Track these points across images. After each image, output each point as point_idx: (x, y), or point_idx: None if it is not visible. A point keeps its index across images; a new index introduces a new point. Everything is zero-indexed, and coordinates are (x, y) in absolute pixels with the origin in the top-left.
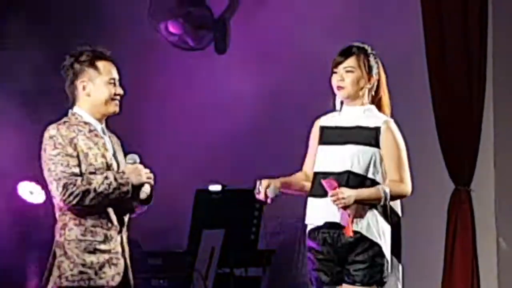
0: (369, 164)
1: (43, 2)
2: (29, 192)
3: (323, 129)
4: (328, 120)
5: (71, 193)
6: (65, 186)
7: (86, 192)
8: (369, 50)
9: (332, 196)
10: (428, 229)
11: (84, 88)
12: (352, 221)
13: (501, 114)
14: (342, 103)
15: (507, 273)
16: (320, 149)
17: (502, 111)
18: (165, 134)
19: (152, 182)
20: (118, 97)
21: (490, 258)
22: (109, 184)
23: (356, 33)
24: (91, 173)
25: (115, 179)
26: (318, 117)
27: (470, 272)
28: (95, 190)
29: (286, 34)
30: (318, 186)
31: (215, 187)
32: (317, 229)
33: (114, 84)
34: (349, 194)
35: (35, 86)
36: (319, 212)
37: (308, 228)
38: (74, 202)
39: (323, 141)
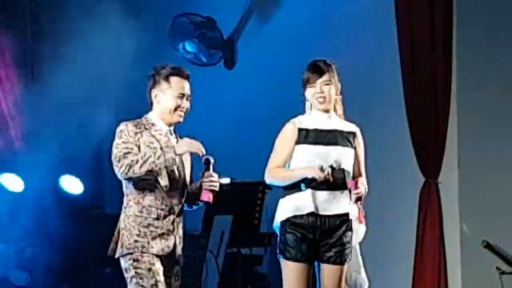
0: (352, 159)
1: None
2: (69, 183)
3: (302, 130)
4: (305, 123)
5: (123, 164)
6: (119, 160)
7: (134, 161)
8: (334, 65)
9: (357, 192)
10: (402, 216)
11: (155, 96)
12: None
13: (463, 118)
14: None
15: (468, 252)
16: (301, 149)
17: (464, 116)
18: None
19: (200, 153)
20: (183, 110)
21: (455, 240)
22: (155, 152)
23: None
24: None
25: (161, 148)
26: (287, 120)
27: (438, 252)
28: (142, 157)
29: (286, 51)
30: (324, 180)
31: (225, 180)
32: (307, 215)
33: (182, 98)
34: (365, 189)
35: None
36: (329, 202)
37: (292, 214)
38: (126, 170)
39: (306, 141)
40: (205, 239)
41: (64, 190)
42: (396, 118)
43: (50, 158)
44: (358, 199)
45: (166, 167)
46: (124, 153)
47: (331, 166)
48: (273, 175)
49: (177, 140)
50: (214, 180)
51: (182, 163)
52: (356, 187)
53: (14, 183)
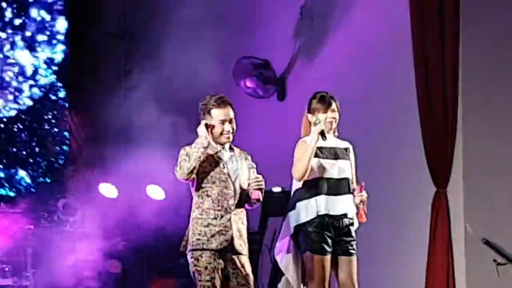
0: (349, 172)
1: None
2: (154, 192)
3: (317, 150)
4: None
5: (176, 169)
6: (175, 167)
7: (183, 161)
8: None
9: (361, 195)
10: (416, 220)
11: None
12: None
13: (468, 137)
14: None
15: (472, 250)
16: (315, 161)
17: (468, 135)
18: None
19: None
20: (228, 133)
21: (460, 240)
22: (195, 146)
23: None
24: (204, 176)
25: (197, 142)
26: (299, 139)
27: (446, 249)
28: (187, 154)
29: (327, 85)
30: (334, 187)
31: (277, 189)
32: (326, 216)
33: (224, 123)
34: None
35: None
36: (339, 205)
37: (314, 216)
38: (179, 172)
39: (316, 156)
40: (261, 236)
41: (150, 197)
42: (412, 138)
43: (139, 169)
44: (362, 201)
45: (217, 179)
46: (180, 162)
47: (328, 180)
48: (297, 166)
49: (233, 153)
50: (259, 180)
51: (232, 175)
52: (360, 191)
53: (110, 191)
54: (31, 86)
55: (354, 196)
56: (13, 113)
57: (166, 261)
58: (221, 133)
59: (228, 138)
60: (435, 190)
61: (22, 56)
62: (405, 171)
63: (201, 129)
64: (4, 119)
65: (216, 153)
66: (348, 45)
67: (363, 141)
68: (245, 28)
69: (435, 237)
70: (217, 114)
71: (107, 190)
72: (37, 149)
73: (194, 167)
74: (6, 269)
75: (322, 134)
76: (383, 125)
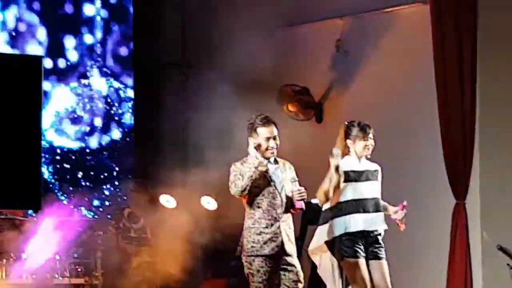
0: (379, 192)
1: None
2: (207, 202)
3: (347, 172)
4: (346, 165)
5: (231, 186)
6: (230, 184)
7: (237, 180)
8: None
9: (403, 213)
10: (437, 232)
11: (252, 142)
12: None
13: (483, 156)
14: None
15: (488, 256)
16: (349, 186)
17: (484, 155)
18: None
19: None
20: (272, 148)
21: (477, 246)
22: (248, 166)
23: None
24: (254, 190)
25: (249, 162)
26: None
27: (465, 256)
28: (241, 174)
29: (362, 112)
30: (365, 206)
31: (315, 200)
32: (358, 230)
33: (269, 140)
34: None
35: None
36: (369, 222)
37: (351, 230)
38: (234, 189)
39: (349, 179)
40: (301, 242)
41: (204, 207)
42: (435, 157)
43: (195, 182)
44: (402, 218)
45: (266, 191)
46: (234, 180)
47: (360, 201)
48: (320, 199)
49: (278, 165)
50: (302, 192)
51: (278, 186)
52: (402, 209)
53: (169, 201)
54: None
55: (395, 212)
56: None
57: (218, 263)
58: (266, 149)
59: (273, 153)
60: (455, 202)
61: (97, 83)
62: (428, 185)
63: (252, 150)
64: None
65: (266, 170)
66: (377, 75)
67: (391, 159)
68: (288, 59)
69: (455, 244)
70: (263, 132)
71: (167, 200)
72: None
73: (248, 185)
74: (79, 269)
75: (337, 167)
76: (409, 145)
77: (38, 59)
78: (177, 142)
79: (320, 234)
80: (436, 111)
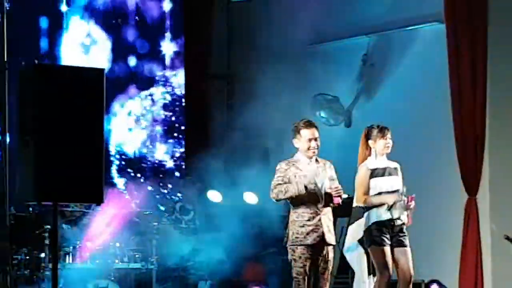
0: (401, 185)
1: None
2: (249, 197)
3: (372, 169)
4: (371, 165)
5: (272, 191)
6: (272, 190)
7: (280, 193)
8: None
9: (411, 205)
10: (452, 224)
11: (295, 143)
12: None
13: (493, 157)
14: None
15: (496, 245)
16: (373, 181)
17: (494, 156)
18: None
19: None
20: (314, 148)
21: (486, 237)
22: (292, 190)
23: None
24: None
25: (285, 190)
26: (358, 164)
27: (476, 245)
28: (285, 189)
29: (385, 117)
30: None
31: (344, 195)
32: (385, 220)
33: (311, 141)
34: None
35: None
36: (394, 211)
37: (377, 219)
38: (273, 196)
39: (376, 175)
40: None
41: (246, 201)
42: (450, 158)
43: (238, 180)
44: (409, 208)
45: (307, 188)
46: (276, 185)
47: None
48: (365, 202)
49: (319, 165)
50: (338, 189)
51: (319, 184)
52: (411, 201)
53: (216, 196)
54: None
55: (404, 204)
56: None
57: (258, 250)
58: (308, 148)
59: (314, 153)
60: (467, 197)
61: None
62: (443, 182)
63: (300, 183)
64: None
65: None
66: (399, 85)
67: (410, 158)
68: (320, 71)
69: (467, 234)
70: (306, 133)
71: (214, 195)
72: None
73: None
74: (137, 255)
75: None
76: (426, 146)
77: (100, 71)
78: (223, 145)
79: (352, 233)
80: (450, 117)
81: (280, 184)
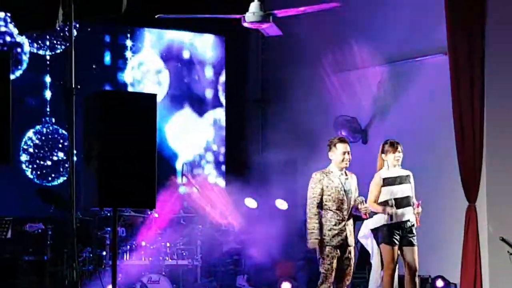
0: (412, 191)
1: None
2: (280, 204)
3: (384, 178)
4: (384, 174)
5: (308, 204)
6: (309, 199)
7: (310, 221)
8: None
9: (419, 209)
10: (454, 227)
11: (331, 156)
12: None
13: (490, 169)
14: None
15: (493, 245)
16: (386, 189)
17: (491, 167)
18: None
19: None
20: (346, 160)
21: (484, 239)
22: (312, 229)
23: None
24: (327, 197)
25: (312, 231)
26: (375, 173)
27: (475, 246)
28: (314, 227)
29: (397, 135)
30: (399, 203)
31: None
32: (396, 222)
33: (344, 154)
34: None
35: None
36: (403, 214)
37: (388, 222)
38: (308, 212)
39: (387, 184)
40: None
41: (277, 207)
42: (452, 169)
43: (273, 190)
44: (418, 213)
45: (336, 198)
46: (311, 197)
47: (395, 199)
48: (372, 208)
49: (347, 177)
50: (366, 208)
51: (346, 193)
52: (418, 207)
53: (252, 203)
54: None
55: (413, 208)
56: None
57: (289, 249)
58: (342, 160)
59: (346, 164)
60: (467, 204)
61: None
62: (446, 190)
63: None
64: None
65: (338, 178)
66: (408, 108)
67: (419, 171)
68: (341, 96)
69: (467, 236)
70: (340, 147)
71: (250, 202)
72: None
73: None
74: (184, 253)
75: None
76: (431, 159)
77: (153, 96)
78: (257, 161)
79: (366, 225)
80: (453, 135)
81: (314, 197)
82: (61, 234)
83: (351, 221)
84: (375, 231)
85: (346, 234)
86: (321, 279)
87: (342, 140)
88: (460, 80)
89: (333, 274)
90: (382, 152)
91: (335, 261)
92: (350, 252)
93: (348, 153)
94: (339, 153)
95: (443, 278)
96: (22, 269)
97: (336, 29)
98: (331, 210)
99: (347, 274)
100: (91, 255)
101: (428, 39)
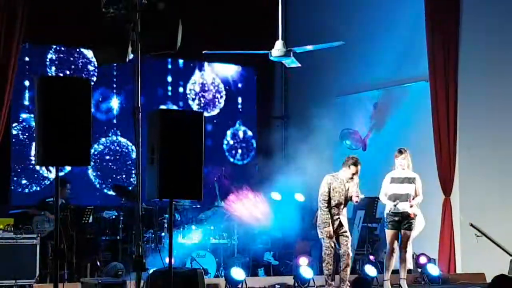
0: (414, 190)
1: None
2: (299, 197)
3: (393, 178)
4: (392, 175)
5: (320, 200)
6: (322, 197)
7: (322, 218)
8: (408, 149)
9: (412, 204)
10: (434, 215)
11: (344, 170)
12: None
13: (462, 169)
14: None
15: (464, 230)
16: (392, 186)
17: (463, 168)
18: None
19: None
20: (353, 178)
21: (457, 225)
22: (326, 220)
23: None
24: (333, 197)
25: (326, 221)
26: (386, 174)
27: (450, 231)
28: (325, 222)
29: (390, 142)
30: (400, 197)
31: (362, 195)
32: (394, 211)
33: (354, 174)
34: (417, 202)
35: None
36: (401, 206)
37: (389, 211)
38: (321, 204)
39: (392, 182)
40: (353, 219)
41: (296, 200)
42: (431, 169)
43: (291, 185)
44: (411, 206)
45: (338, 198)
46: (322, 194)
47: (397, 194)
48: (382, 199)
49: (350, 181)
50: (359, 196)
51: (346, 191)
52: (410, 201)
53: (277, 196)
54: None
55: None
56: None
57: (305, 232)
58: (350, 178)
59: (352, 179)
60: (444, 198)
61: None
62: (428, 187)
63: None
64: None
65: (344, 184)
66: (398, 123)
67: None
68: (344, 115)
69: (444, 223)
70: (353, 169)
71: (276, 195)
72: None
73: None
74: (224, 235)
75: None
76: (418, 163)
77: (200, 114)
78: (281, 166)
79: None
80: (432, 143)
81: (325, 195)
82: (130, 219)
83: (344, 212)
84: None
85: (340, 219)
86: (324, 255)
87: (355, 164)
88: (438, 101)
89: (333, 251)
90: (395, 157)
91: (333, 241)
92: (345, 231)
93: (357, 174)
94: (350, 172)
95: (425, 255)
96: (100, 247)
97: (340, 60)
98: (332, 205)
99: (346, 247)
100: (152, 235)
101: (413, 69)
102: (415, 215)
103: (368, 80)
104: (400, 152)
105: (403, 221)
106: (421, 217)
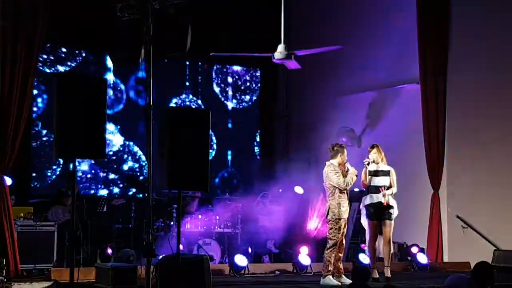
0: (388, 182)
1: None
2: (298, 190)
3: (370, 171)
4: (370, 168)
5: (345, 182)
6: (342, 181)
7: (348, 182)
8: (379, 145)
9: (385, 193)
10: (423, 207)
11: (340, 156)
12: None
13: (450, 165)
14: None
15: (451, 221)
16: (370, 178)
17: (450, 164)
18: None
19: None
20: (346, 164)
21: (444, 216)
22: (351, 181)
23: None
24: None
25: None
26: (364, 167)
27: (438, 222)
28: (347, 183)
29: (381, 140)
30: (376, 190)
31: (356, 189)
32: (372, 202)
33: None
34: (391, 192)
35: None
36: (377, 197)
37: (367, 203)
38: (345, 185)
39: (371, 175)
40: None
41: (296, 192)
42: (422, 165)
43: (291, 177)
44: (384, 195)
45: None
46: (339, 179)
47: (373, 186)
48: (363, 182)
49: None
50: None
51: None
52: (382, 191)
53: (299, 190)
54: None
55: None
56: None
57: (303, 222)
58: (344, 162)
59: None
60: (432, 191)
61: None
62: (417, 182)
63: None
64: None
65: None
66: (391, 121)
67: (399, 168)
68: (343, 112)
69: (432, 215)
70: (344, 153)
71: (298, 189)
72: None
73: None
74: (228, 224)
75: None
76: (407, 159)
77: (207, 112)
78: (283, 161)
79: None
80: (422, 142)
81: (342, 176)
82: (142, 209)
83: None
84: (365, 211)
85: (349, 211)
86: (330, 244)
87: (343, 148)
88: (428, 102)
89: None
90: (368, 152)
91: (344, 230)
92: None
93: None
94: (344, 158)
95: (417, 245)
96: (114, 234)
97: (338, 64)
98: (344, 193)
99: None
100: (162, 224)
101: (405, 71)
102: (388, 204)
103: (364, 82)
104: (372, 147)
105: (381, 211)
106: (395, 207)
